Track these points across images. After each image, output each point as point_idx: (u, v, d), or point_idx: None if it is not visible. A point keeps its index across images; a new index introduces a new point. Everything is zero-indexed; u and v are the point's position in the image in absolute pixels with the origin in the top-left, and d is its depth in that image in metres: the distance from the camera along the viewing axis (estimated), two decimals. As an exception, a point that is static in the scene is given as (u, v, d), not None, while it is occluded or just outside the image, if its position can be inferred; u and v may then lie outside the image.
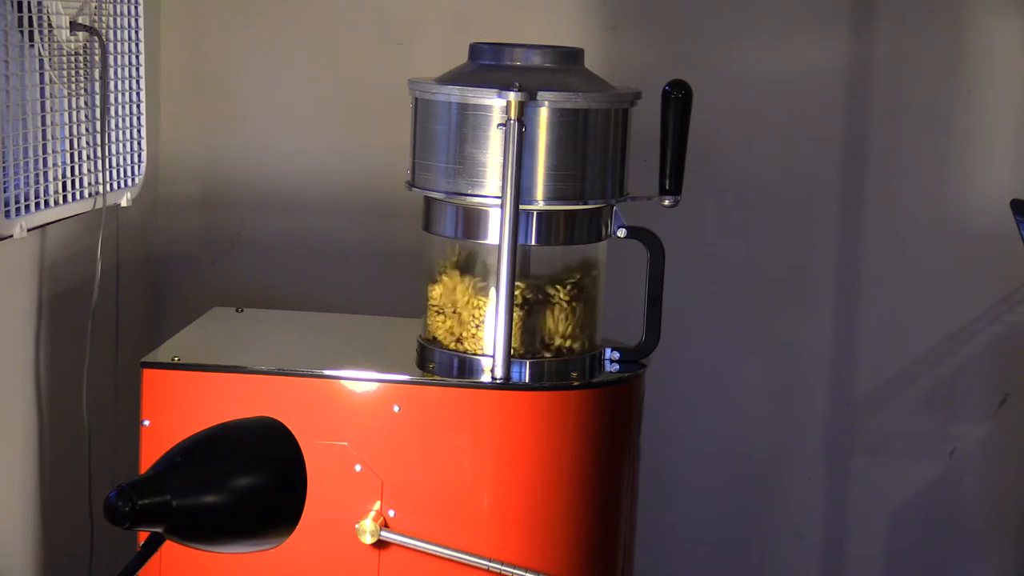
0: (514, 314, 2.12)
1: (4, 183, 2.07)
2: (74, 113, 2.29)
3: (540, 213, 2.16)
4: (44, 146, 2.21)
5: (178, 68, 2.98)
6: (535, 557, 2.11)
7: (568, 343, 2.20)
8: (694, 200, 2.48)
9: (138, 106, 2.51)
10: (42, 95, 2.19)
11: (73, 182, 2.29)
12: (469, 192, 2.14)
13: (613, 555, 2.22)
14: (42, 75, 2.19)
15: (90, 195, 2.34)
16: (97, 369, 2.47)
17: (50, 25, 2.19)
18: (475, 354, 2.18)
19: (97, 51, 2.32)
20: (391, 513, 2.11)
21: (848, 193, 3.03)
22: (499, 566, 2.08)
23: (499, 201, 2.10)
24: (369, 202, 2.98)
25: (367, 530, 2.08)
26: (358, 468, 2.11)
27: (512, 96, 2.07)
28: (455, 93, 2.13)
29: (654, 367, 2.28)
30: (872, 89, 3.01)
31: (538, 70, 2.16)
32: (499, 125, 2.09)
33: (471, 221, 2.18)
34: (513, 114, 2.07)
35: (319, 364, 2.16)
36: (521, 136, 2.08)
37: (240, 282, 3.00)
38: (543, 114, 2.12)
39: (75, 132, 2.29)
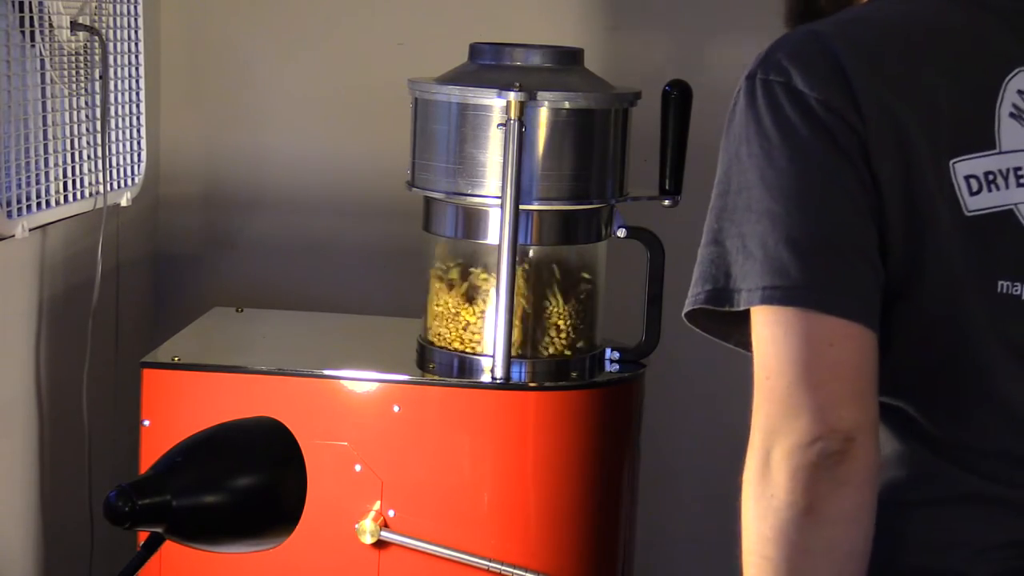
0: (514, 314, 2.12)
1: (5, 183, 2.07)
2: (74, 113, 2.29)
3: (540, 213, 2.16)
4: (45, 146, 2.21)
5: (178, 68, 2.98)
6: (535, 557, 2.11)
7: (568, 343, 2.20)
8: (695, 200, 2.48)
9: (138, 106, 2.51)
10: (43, 95, 2.19)
11: (73, 182, 2.29)
12: (469, 192, 2.14)
13: (613, 555, 2.22)
14: (43, 75, 2.19)
15: (90, 195, 2.34)
16: (97, 369, 2.47)
17: (51, 25, 2.19)
18: (475, 354, 2.18)
19: (97, 51, 2.32)
20: (391, 513, 2.11)
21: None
22: (499, 566, 2.08)
23: (499, 201, 2.10)
24: (369, 202, 2.98)
25: (367, 530, 2.08)
26: (358, 468, 2.11)
27: (512, 96, 2.07)
28: (455, 93, 2.13)
29: (654, 367, 2.27)
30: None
31: (538, 70, 2.16)
32: (499, 125, 2.09)
33: (471, 221, 2.18)
34: (513, 114, 2.07)
35: (319, 364, 2.16)
36: (521, 136, 2.08)
37: (240, 282, 3.00)
38: (543, 114, 2.12)
39: (75, 132, 2.29)
